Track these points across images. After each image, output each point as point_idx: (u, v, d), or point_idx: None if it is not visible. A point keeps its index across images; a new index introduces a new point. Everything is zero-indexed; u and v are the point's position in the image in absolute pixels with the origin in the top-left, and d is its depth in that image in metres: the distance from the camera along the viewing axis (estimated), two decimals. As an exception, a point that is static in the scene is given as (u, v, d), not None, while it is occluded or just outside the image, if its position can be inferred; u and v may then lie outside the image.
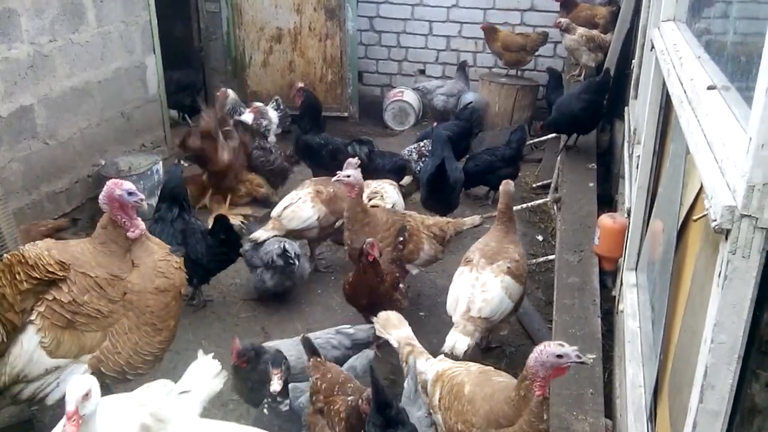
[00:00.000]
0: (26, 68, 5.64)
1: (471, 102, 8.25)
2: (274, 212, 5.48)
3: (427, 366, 3.55)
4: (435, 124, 7.61)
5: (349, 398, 3.33)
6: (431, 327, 4.70)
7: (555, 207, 6.28)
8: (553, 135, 7.66)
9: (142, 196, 3.68)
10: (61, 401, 3.54)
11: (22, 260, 3.47)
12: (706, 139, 1.89)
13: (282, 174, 6.94)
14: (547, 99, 8.00)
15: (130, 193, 3.59)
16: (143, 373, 3.82)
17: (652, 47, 3.79)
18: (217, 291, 5.53)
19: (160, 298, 3.74)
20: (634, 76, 5.88)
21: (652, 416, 2.81)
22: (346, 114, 9.20)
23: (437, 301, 5.33)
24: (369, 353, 4.02)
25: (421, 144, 7.24)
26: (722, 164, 1.69)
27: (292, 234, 5.43)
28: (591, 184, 6.05)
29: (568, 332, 4.09)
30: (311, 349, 3.64)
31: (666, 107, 3.68)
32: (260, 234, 5.26)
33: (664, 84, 3.50)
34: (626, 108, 6.21)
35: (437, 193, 6.13)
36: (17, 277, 3.46)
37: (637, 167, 4.11)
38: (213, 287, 5.55)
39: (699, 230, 2.33)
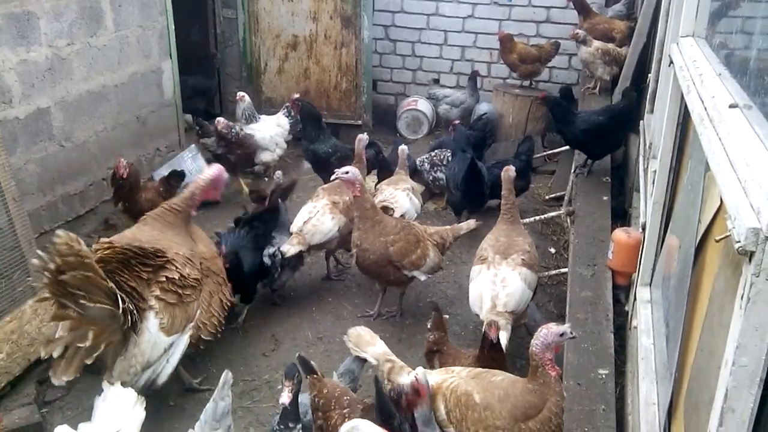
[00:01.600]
0: (44, 71, 5.68)
1: (485, 113, 8.26)
2: (294, 227, 5.35)
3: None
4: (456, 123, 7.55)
5: (345, 411, 3.30)
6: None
7: (568, 220, 6.25)
8: (567, 148, 7.64)
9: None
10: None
11: (131, 254, 3.79)
12: (729, 158, 1.88)
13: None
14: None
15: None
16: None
17: (671, 63, 3.77)
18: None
19: (220, 260, 4.49)
20: (650, 90, 5.86)
21: (666, 435, 2.78)
22: (359, 122, 9.20)
23: (449, 311, 5.31)
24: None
25: (433, 153, 7.25)
26: (746, 185, 1.67)
27: (314, 247, 5.41)
28: (605, 198, 6.02)
29: (580, 346, 4.06)
30: (307, 367, 3.55)
31: (684, 123, 3.66)
32: (287, 248, 5.16)
33: (682, 99, 3.49)
34: (641, 122, 6.18)
35: (471, 191, 6.32)
36: (136, 269, 3.81)
37: (653, 182, 4.09)
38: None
39: (718, 249, 2.31)
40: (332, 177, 4.95)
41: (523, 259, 4.51)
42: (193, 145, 7.11)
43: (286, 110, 7.77)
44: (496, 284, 4.42)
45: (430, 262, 5.00)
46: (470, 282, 4.67)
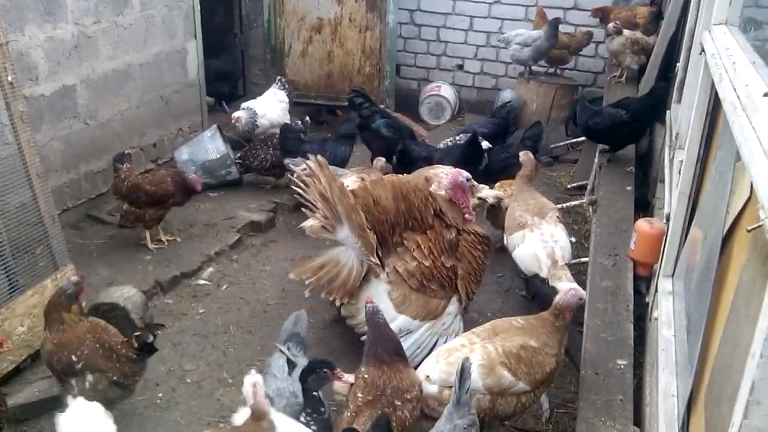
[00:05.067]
0: (70, 48, 5.71)
1: (510, 101, 8.19)
2: None
3: (442, 364, 3.51)
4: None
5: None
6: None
7: (591, 209, 6.19)
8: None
9: (474, 183, 4.77)
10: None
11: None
12: (762, 147, 1.83)
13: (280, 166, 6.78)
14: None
15: (467, 180, 4.47)
16: None
17: (702, 51, 3.69)
18: (247, 277, 5.56)
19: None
20: (678, 80, 5.76)
21: (685, 427, 2.75)
22: (382, 106, 9.14)
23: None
24: (301, 314, 4.03)
25: (458, 138, 7.20)
26: (779, 174, 1.63)
27: None
28: (629, 188, 5.95)
29: (599, 336, 4.03)
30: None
31: (713, 112, 3.59)
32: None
33: (712, 88, 3.42)
34: (667, 112, 6.09)
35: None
36: (428, 205, 4.28)
37: (679, 172, 4.03)
38: (243, 272, 5.59)
39: (746, 240, 2.26)
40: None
41: (557, 216, 4.97)
42: (214, 125, 7.12)
43: (279, 83, 7.77)
44: (547, 242, 4.74)
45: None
46: (514, 249, 4.91)
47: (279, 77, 7.93)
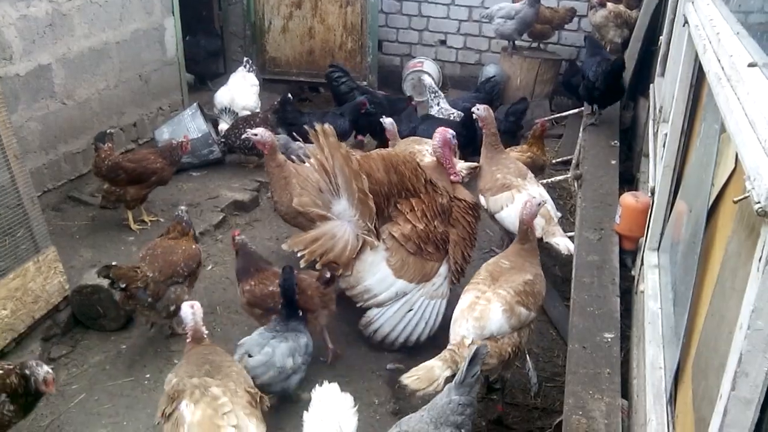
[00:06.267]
0: (44, 27, 5.59)
1: (493, 76, 8.15)
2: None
3: (471, 322, 3.61)
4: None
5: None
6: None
7: (576, 184, 6.19)
8: (575, 111, 7.55)
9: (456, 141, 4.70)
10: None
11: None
12: (748, 118, 1.81)
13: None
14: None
15: (453, 136, 4.57)
16: None
17: (685, 23, 3.67)
18: (232, 257, 5.50)
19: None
20: (661, 53, 5.75)
21: (672, 399, 2.77)
22: (365, 83, 9.07)
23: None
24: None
25: (451, 114, 7.16)
26: (766, 144, 1.61)
27: None
28: (613, 162, 5.95)
29: (586, 310, 4.04)
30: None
31: (697, 84, 3.58)
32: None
33: (696, 60, 3.41)
34: (651, 85, 6.08)
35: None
36: (418, 175, 4.34)
37: (663, 146, 4.02)
38: (228, 252, 5.55)
39: (732, 212, 2.26)
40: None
41: (535, 178, 5.24)
42: (195, 104, 7.01)
43: (248, 65, 7.61)
44: None
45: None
46: (502, 210, 5.08)
47: (246, 59, 7.73)
